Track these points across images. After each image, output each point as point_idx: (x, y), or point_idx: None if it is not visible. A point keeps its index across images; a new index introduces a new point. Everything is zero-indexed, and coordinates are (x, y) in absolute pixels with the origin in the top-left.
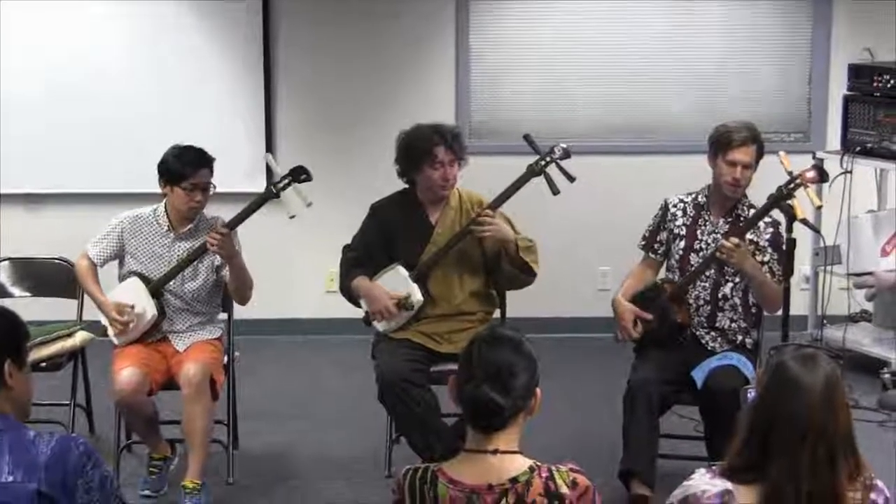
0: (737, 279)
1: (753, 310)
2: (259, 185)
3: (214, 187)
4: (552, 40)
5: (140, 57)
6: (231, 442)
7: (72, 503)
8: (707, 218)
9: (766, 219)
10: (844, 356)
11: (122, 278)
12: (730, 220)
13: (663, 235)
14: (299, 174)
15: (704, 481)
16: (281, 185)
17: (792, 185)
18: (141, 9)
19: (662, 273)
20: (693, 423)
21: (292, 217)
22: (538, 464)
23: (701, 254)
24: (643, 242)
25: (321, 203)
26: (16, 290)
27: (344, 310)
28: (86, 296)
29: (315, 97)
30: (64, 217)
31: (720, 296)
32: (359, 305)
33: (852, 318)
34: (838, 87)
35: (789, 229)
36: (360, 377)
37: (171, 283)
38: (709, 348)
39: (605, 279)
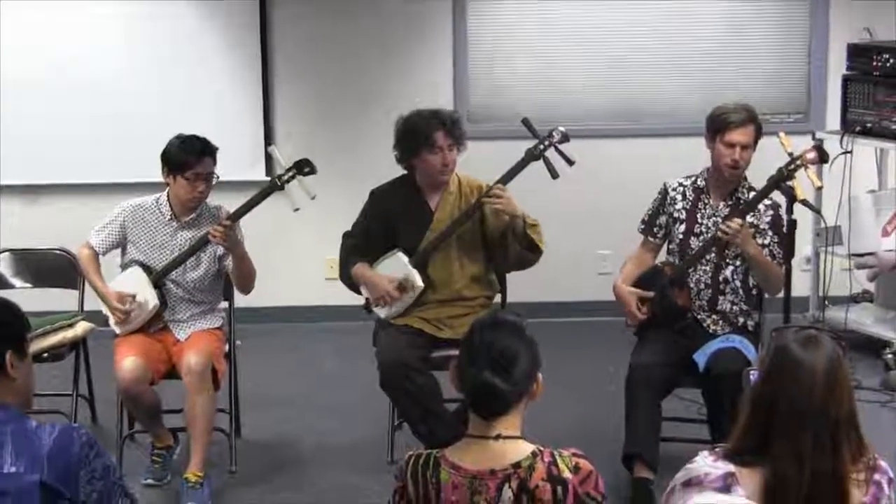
0: (737, 262)
1: (754, 292)
2: (258, 174)
3: (218, 177)
4: (550, 24)
5: (138, 47)
6: (233, 430)
7: (75, 493)
8: (707, 201)
9: (766, 201)
10: (846, 337)
11: (123, 267)
12: (730, 203)
13: (663, 219)
14: (303, 167)
15: (707, 464)
16: (285, 177)
17: (792, 166)
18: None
19: (662, 256)
20: (695, 405)
21: (296, 210)
22: (541, 448)
23: (701, 237)
24: (642, 226)
25: (320, 190)
26: (16, 281)
27: (344, 297)
28: (87, 286)
29: (313, 84)
30: (63, 208)
31: (721, 279)
32: (359, 292)
33: (854, 299)
34: (837, 67)
35: (790, 210)
36: (361, 364)
37: (173, 272)
38: (710, 331)
39: (605, 262)
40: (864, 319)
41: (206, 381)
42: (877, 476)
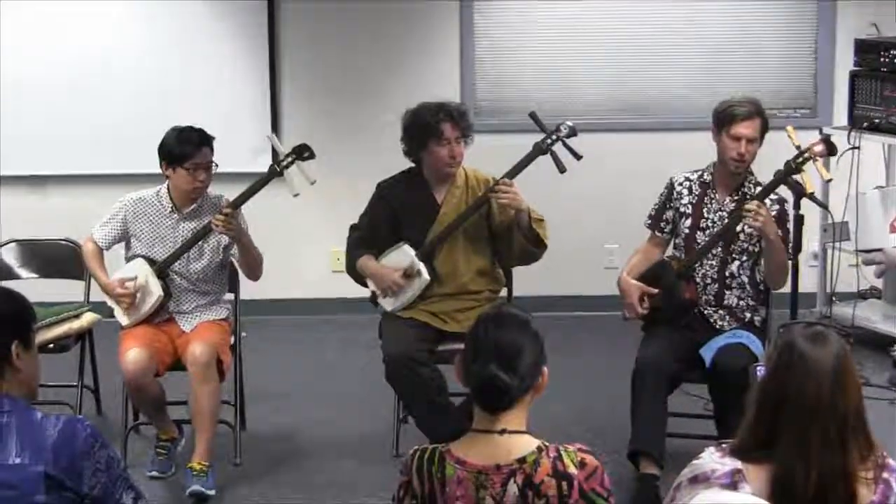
0: (744, 257)
1: (761, 287)
2: (264, 165)
3: (217, 166)
4: (557, 17)
5: (143, 38)
6: (238, 423)
7: (79, 485)
8: (713, 196)
9: (772, 195)
10: (854, 333)
11: (128, 261)
12: (736, 197)
13: (669, 214)
14: (303, 152)
15: (714, 460)
16: (285, 163)
17: (801, 159)
18: None
19: (669, 251)
20: (702, 401)
21: (296, 195)
22: (546, 444)
23: (707, 232)
24: (649, 221)
25: (326, 183)
26: (23, 272)
27: (350, 290)
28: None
29: (320, 77)
30: (69, 199)
31: (727, 274)
32: (365, 285)
33: (861, 295)
34: (844, 63)
35: (797, 206)
36: (367, 357)
37: (177, 263)
38: (717, 326)
39: (612, 257)
40: (872, 316)
41: (211, 373)
42: (885, 474)
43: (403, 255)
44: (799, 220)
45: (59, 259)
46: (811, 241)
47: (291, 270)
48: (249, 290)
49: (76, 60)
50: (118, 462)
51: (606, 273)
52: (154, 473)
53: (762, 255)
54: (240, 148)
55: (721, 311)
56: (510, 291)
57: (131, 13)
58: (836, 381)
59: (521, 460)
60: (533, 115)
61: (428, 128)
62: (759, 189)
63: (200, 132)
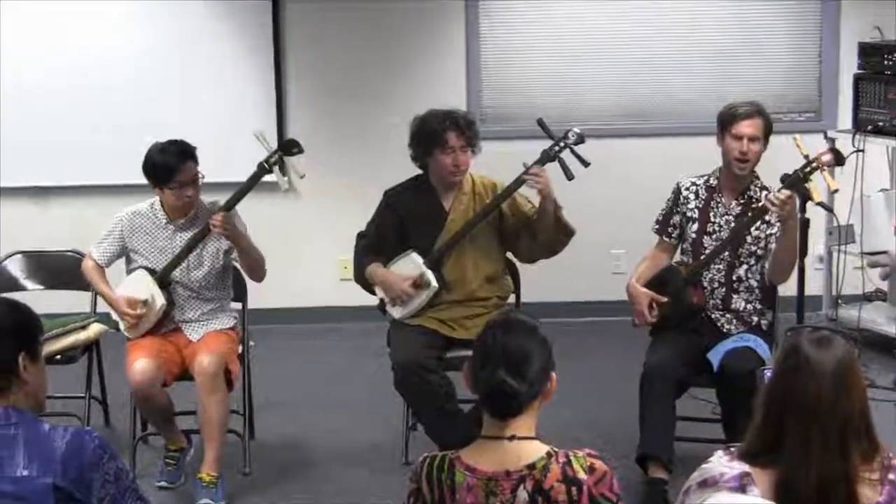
0: (751, 261)
1: (769, 285)
2: (271, 174)
3: (203, 176)
4: (563, 23)
5: (150, 48)
6: (247, 432)
7: (88, 497)
8: (719, 200)
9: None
10: (859, 336)
11: (129, 273)
12: (742, 201)
13: (676, 219)
14: (291, 147)
15: (722, 464)
16: (273, 160)
17: (808, 169)
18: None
19: (677, 256)
20: (710, 405)
21: (286, 190)
22: (555, 449)
23: (714, 236)
24: (657, 226)
25: (333, 190)
26: (29, 284)
27: (359, 298)
28: None
29: (326, 84)
30: (74, 210)
31: (734, 278)
32: (374, 293)
33: (867, 298)
34: (849, 66)
35: (802, 209)
36: (375, 365)
37: (177, 272)
38: (724, 330)
39: (619, 262)
40: (877, 318)
41: (219, 382)
42: (892, 475)
43: (411, 264)
44: (804, 223)
45: (64, 270)
46: (816, 244)
47: (299, 279)
48: (257, 299)
49: (77, 69)
50: (127, 473)
51: (613, 278)
52: (163, 484)
53: (770, 252)
54: (246, 157)
55: (728, 315)
56: (518, 297)
57: (132, 16)
58: (838, 383)
59: (531, 466)
60: (541, 123)
61: (433, 135)
62: (764, 193)
63: (181, 147)
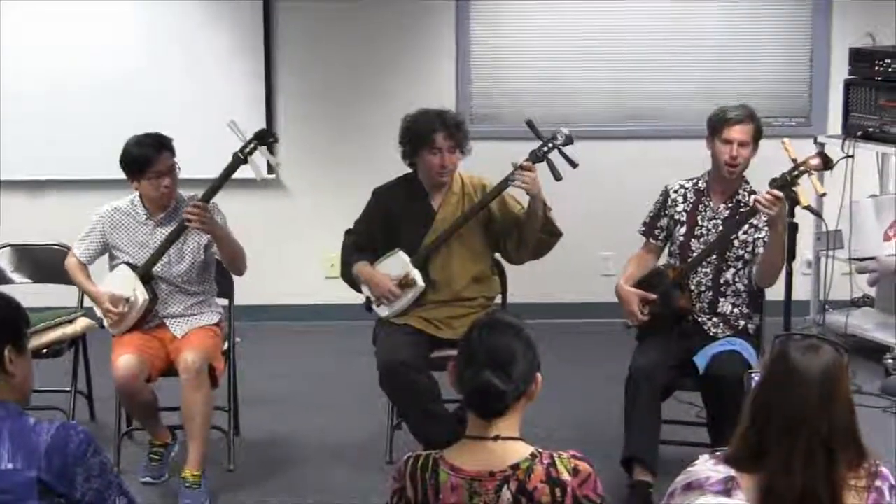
0: (739, 265)
1: (756, 294)
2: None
3: (180, 168)
4: (554, 25)
5: (142, 44)
6: (232, 429)
7: (71, 491)
8: (707, 203)
9: None
10: (847, 342)
11: (112, 269)
12: (730, 205)
13: (664, 221)
14: (265, 137)
15: (708, 468)
16: (248, 149)
17: (796, 172)
18: (144, 1)
19: (664, 259)
20: (694, 409)
21: (262, 180)
22: (539, 450)
23: (702, 239)
24: (643, 228)
25: (321, 189)
26: (16, 277)
27: (345, 296)
28: None
29: (316, 83)
30: (64, 204)
31: (722, 281)
32: (360, 290)
33: (855, 303)
34: (839, 72)
35: (791, 214)
36: (361, 363)
37: (159, 268)
38: (711, 334)
39: (608, 264)
40: (865, 324)
41: (203, 379)
42: (878, 482)
43: (399, 262)
44: (793, 227)
45: (52, 264)
46: (804, 249)
47: (285, 276)
48: (244, 295)
49: (74, 67)
50: (111, 468)
51: (601, 280)
52: (147, 479)
53: (757, 256)
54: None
55: (715, 319)
56: (504, 298)
57: (131, 21)
58: (823, 393)
59: (515, 467)
60: (530, 123)
61: (421, 135)
62: (753, 197)
63: (156, 137)
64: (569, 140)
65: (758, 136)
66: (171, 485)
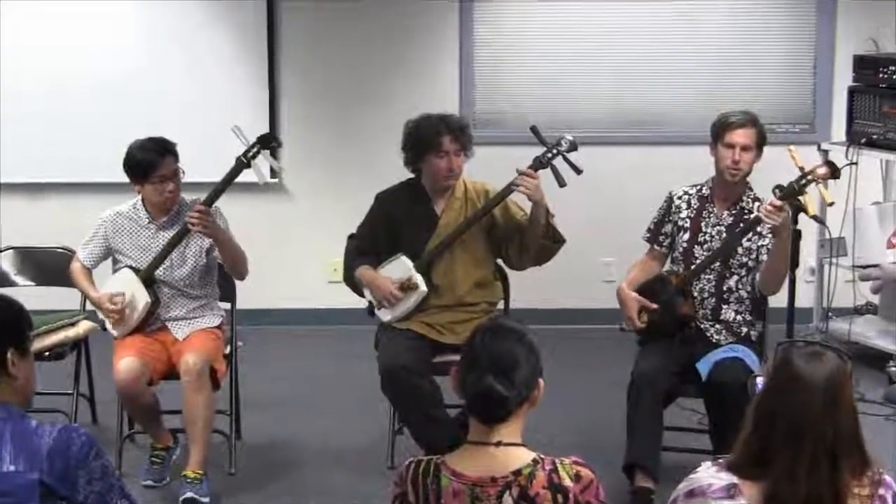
0: (742, 272)
1: (759, 301)
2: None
3: (184, 173)
4: (557, 30)
5: (144, 46)
6: (233, 432)
7: (73, 493)
8: (711, 210)
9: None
10: (850, 349)
11: (114, 273)
12: (734, 212)
13: (668, 227)
14: (268, 141)
15: (710, 474)
16: (251, 153)
17: (803, 181)
18: (146, 1)
19: (667, 265)
20: (696, 415)
21: (265, 183)
22: (541, 456)
23: (705, 246)
24: (648, 234)
25: (324, 193)
26: (19, 279)
27: (347, 300)
28: None
29: (319, 88)
30: (66, 206)
31: (725, 288)
32: (362, 295)
33: (858, 311)
34: (843, 79)
35: (794, 221)
36: (363, 367)
37: (161, 271)
38: (713, 341)
39: (610, 270)
40: (868, 332)
41: (205, 382)
42: (881, 490)
43: (401, 267)
44: (796, 235)
45: (55, 267)
46: (808, 256)
47: (288, 280)
48: (246, 299)
49: (75, 68)
50: (113, 471)
51: (603, 286)
52: (149, 482)
53: (761, 263)
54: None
55: (718, 326)
56: (507, 303)
57: (133, 22)
58: (827, 401)
59: (517, 472)
60: (534, 130)
61: (427, 139)
62: (757, 204)
63: (160, 142)
64: (573, 146)
65: (761, 141)
66: (173, 488)
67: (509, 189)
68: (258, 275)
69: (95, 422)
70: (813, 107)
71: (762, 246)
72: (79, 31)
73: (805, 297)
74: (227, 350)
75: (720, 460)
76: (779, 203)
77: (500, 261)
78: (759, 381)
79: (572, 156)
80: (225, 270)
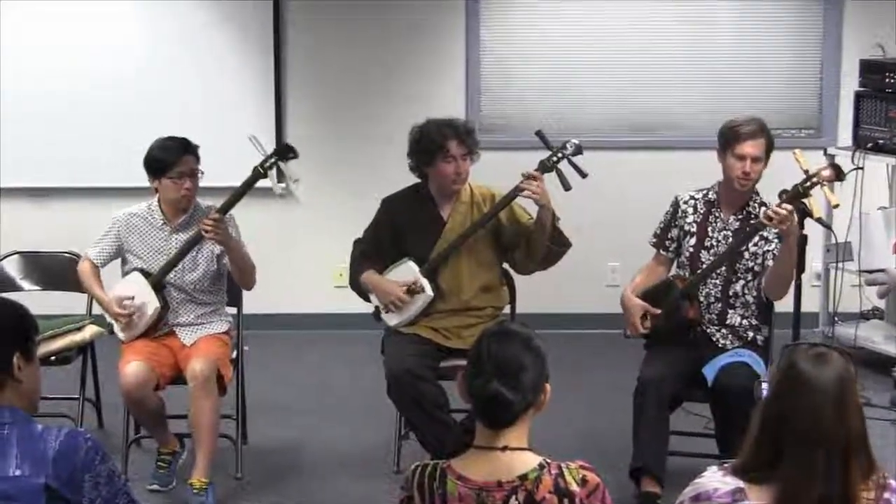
0: (748, 277)
1: (765, 306)
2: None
3: (202, 173)
4: (563, 35)
5: (149, 50)
6: (239, 437)
7: (79, 498)
8: (717, 215)
9: None
10: (856, 354)
11: (124, 275)
12: (740, 216)
13: (674, 232)
14: (286, 152)
15: (716, 479)
16: (268, 164)
17: (808, 184)
18: (150, 1)
19: (673, 270)
20: (703, 420)
21: (281, 195)
22: (548, 461)
23: (711, 251)
24: (654, 239)
25: (330, 197)
26: (25, 284)
27: (353, 305)
28: None
29: (325, 93)
30: (72, 211)
31: (731, 293)
32: (368, 300)
33: (864, 316)
34: (849, 83)
35: (800, 226)
36: (369, 372)
37: (172, 275)
38: (720, 345)
39: (615, 275)
40: (874, 336)
41: (212, 387)
42: (887, 495)
43: (407, 271)
44: (802, 239)
45: (61, 271)
46: (814, 260)
47: (294, 285)
48: (252, 304)
49: (81, 73)
50: (119, 475)
51: (608, 291)
52: (155, 487)
53: (767, 268)
54: (244, 162)
55: (724, 330)
56: (513, 308)
57: (132, 17)
58: (838, 404)
59: (523, 477)
60: (539, 133)
61: (434, 144)
62: (763, 209)
63: (183, 140)
64: (578, 150)
65: (769, 149)
66: (178, 492)
67: (515, 192)
68: (264, 279)
69: (101, 426)
70: (819, 111)
71: (768, 251)
72: (83, 35)
73: (811, 302)
74: (234, 355)
75: (726, 465)
76: (789, 207)
77: (506, 265)
78: (765, 386)
79: (577, 159)
80: (233, 279)
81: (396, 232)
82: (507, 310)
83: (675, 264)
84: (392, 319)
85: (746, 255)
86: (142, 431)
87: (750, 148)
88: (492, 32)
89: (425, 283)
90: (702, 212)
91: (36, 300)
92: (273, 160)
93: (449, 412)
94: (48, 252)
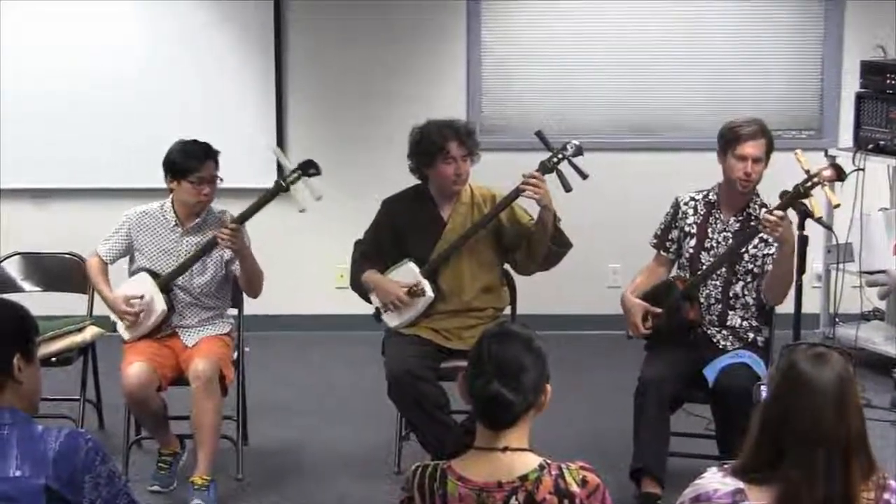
0: (748, 278)
1: (765, 307)
2: (270, 180)
3: (221, 180)
4: (564, 36)
5: (149, 51)
6: (240, 438)
7: (79, 498)
8: (718, 216)
9: None
10: (856, 355)
11: (131, 275)
12: (741, 218)
13: (675, 233)
14: (308, 168)
15: (716, 480)
16: (290, 178)
17: (809, 184)
18: (150, 1)
19: (674, 271)
20: (703, 421)
21: (302, 211)
22: (548, 462)
23: (712, 252)
24: (655, 240)
25: (331, 198)
26: (26, 285)
27: (354, 306)
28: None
29: (326, 93)
30: (73, 212)
31: (731, 294)
32: (369, 300)
33: (865, 317)
34: (850, 84)
35: (801, 227)
36: (370, 373)
37: (180, 278)
38: (720, 346)
39: (616, 276)
40: (875, 337)
41: (214, 388)
42: (886, 495)
43: (408, 273)
44: (803, 241)
45: (62, 272)
46: (815, 261)
47: (295, 286)
48: (253, 305)
49: (82, 74)
50: (119, 476)
51: (609, 292)
52: (155, 488)
53: (766, 272)
54: (246, 164)
55: (724, 332)
56: (514, 309)
57: (133, 17)
58: (839, 404)
59: (523, 478)
60: (539, 134)
61: (434, 145)
62: (763, 210)
63: (205, 146)
64: (579, 151)
65: (770, 149)
66: (180, 493)
67: (516, 193)
68: (265, 280)
69: (102, 427)
70: (820, 112)
71: (767, 255)
72: (84, 36)
73: (812, 303)
74: (235, 356)
75: (726, 465)
76: (781, 213)
77: (506, 266)
78: (764, 388)
79: (578, 160)
80: (240, 285)
81: (397, 233)
82: (507, 311)
83: (675, 265)
84: (392, 320)
85: (746, 256)
86: (143, 432)
87: (750, 149)
88: (493, 33)
89: (426, 285)
90: (702, 213)
91: (36, 301)
92: (296, 175)
93: (449, 413)
94: (49, 253)
